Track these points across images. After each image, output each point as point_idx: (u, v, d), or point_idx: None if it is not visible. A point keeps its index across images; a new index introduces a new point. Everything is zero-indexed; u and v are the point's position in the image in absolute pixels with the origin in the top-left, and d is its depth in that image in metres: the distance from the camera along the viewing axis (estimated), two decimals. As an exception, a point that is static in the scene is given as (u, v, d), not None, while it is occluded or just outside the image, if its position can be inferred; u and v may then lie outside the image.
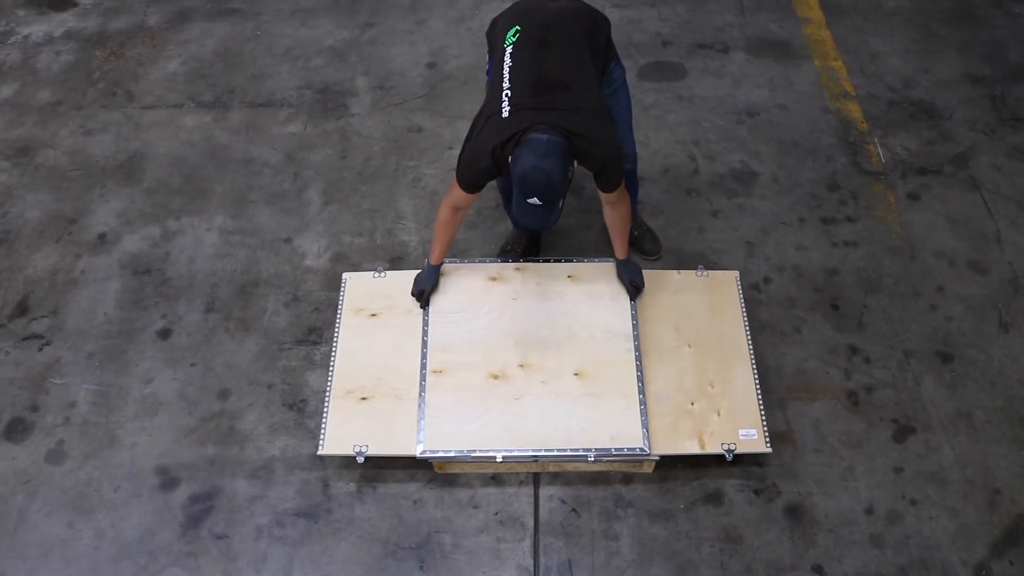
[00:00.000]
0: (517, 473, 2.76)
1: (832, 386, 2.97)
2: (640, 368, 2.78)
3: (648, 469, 2.72)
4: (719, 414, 2.70)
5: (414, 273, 3.01)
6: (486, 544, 2.63)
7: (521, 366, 2.79)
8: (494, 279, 3.00)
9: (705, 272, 3.02)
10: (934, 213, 3.47)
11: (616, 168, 2.60)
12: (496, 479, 2.76)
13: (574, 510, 2.70)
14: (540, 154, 2.35)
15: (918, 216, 3.46)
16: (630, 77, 3.94)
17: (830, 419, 2.88)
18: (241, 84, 4.04)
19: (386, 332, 2.88)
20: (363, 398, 2.74)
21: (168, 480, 2.78)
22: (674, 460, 2.73)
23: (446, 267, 3.00)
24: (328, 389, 2.77)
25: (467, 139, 2.62)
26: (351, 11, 4.40)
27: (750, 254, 3.34)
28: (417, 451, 2.64)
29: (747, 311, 2.94)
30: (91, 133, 3.85)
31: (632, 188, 3.07)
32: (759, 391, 2.75)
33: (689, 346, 2.85)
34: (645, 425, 2.66)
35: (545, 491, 2.74)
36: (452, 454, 2.64)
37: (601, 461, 2.65)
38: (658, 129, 3.80)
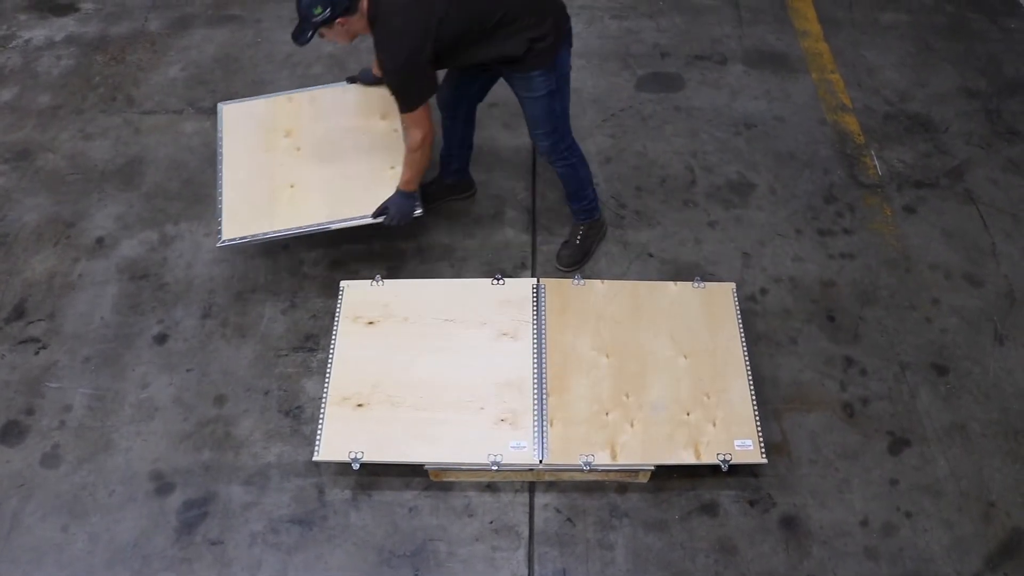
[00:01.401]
0: (512, 482, 2.76)
1: (828, 398, 2.97)
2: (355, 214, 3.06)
3: (643, 479, 2.73)
4: (715, 424, 2.70)
5: (412, 282, 3.03)
6: (481, 552, 2.63)
7: (298, 149, 3.26)
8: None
9: (702, 284, 3.03)
10: (930, 226, 3.48)
11: (390, 79, 2.65)
12: (491, 487, 2.76)
13: (569, 519, 2.70)
14: None
15: (914, 229, 3.47)
16: (628, 86, 4.00)
17: (825, 430, 2.89)
18: (241, 90, 4.04)
19: (383, 340, 2.88)
20: (359, 405, 2.74)
21: (163, 485, 2.78)
22: (669, 470, 2.73)
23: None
24: (324, 395, 2.77)
25: None
26: (351, 19, 4.41)
27: (747, 265, 3.35)
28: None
29: (743, 322, 2.94)
30: (90, 137, 3.86)
31: (576, 183, 3.15)
32: (755, 402, 2.75)
33: (685, 357, 2.85)
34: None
35: (540, 500, 2.74)
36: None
37: None
38: (656, 140, 3.81)
